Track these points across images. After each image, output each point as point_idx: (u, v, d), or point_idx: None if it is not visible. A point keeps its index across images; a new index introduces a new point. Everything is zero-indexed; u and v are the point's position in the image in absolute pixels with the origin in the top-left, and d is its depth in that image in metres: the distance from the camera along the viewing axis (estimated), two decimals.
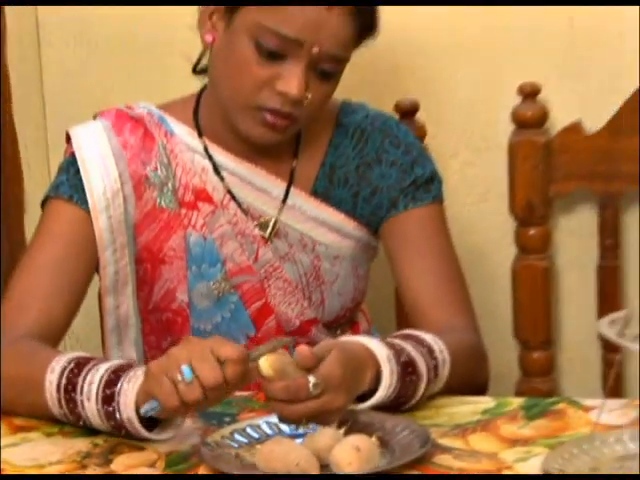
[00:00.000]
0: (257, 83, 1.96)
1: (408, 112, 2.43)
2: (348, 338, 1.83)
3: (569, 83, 2.51)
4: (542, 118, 2.47)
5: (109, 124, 2.07)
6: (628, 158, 2.45)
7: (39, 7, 2.68)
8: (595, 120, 2.47)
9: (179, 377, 1.61)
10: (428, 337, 1.86)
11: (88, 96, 2.57)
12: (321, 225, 2.10)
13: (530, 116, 2.46)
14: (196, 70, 2.14)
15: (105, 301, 2.08)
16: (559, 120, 2.50)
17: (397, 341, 1.81)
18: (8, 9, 2.53)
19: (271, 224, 2.07)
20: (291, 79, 1.95)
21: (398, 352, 1.77)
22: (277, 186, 2.09)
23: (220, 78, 2.02)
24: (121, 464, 1.70)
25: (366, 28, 2.00)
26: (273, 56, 1.95)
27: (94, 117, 2.12)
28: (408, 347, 1.80)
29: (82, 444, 1.76)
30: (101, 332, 2.14)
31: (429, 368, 1.80)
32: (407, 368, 1.77)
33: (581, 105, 2.50)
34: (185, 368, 1.61)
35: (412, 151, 2.12)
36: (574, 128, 2.47)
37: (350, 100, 2.14)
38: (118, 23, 2.57)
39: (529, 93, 2.46)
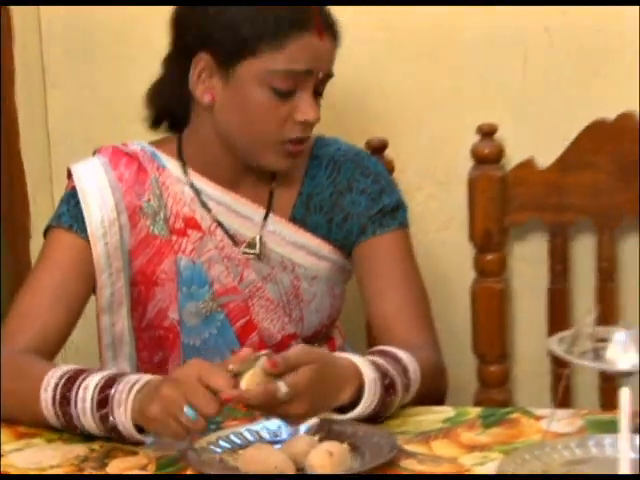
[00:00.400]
0: (280, 122, 1.98)
1: (377, 149, 2.43)
2: (341, 354, 1.84)
3: (523, 123, 2.52)
4: (498, 155, 2.48)
5: (106, 160, 2.07)
6: (576, 191, 2.46)
7: (45, 50, 2.65)
8: (546, 157, 2.47)
9: (184, 419, 1.61)
10: (405, 356, 1.86)
11: (89, 134, 2.57)
12: (300, 249, 2.10)
13: (487, 153, 2.47)
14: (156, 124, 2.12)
15: (101, 320, 2.08)
16: (514, 157, 2.50)
17: (381, 361, 1.81)
18: (16, 52, 2.54)
19: (258, 242, 2.07)
20: (307, 107, 1.97)
21: (383, 375, 1.78)
22: (259, 213, 2.08)
23: (238, 126, 2.00)
24: (116, 467, 1.71)
25: (338, 42, 2.02)
26: (288, 93, 1.96)
27: (93, 153, 2.12)
28: (390, 369, 1.81)
29: (80, 449, 1.77)
30: (98, 347, 2.13)
31: (404, 387, 1.82)
32: (389, 389, 1.78)
33: (533, 143, 2.51)
34: (188, 410, 1.61)
35: (381, 181, 2.12)
36: (527, 164, 2.48)
37: (322, 135, 2.14)
38: (118, 67, 2.57)
39: (487, 132, 2.46)
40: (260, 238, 2.07)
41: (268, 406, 1.64)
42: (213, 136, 2.05)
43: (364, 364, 1.77)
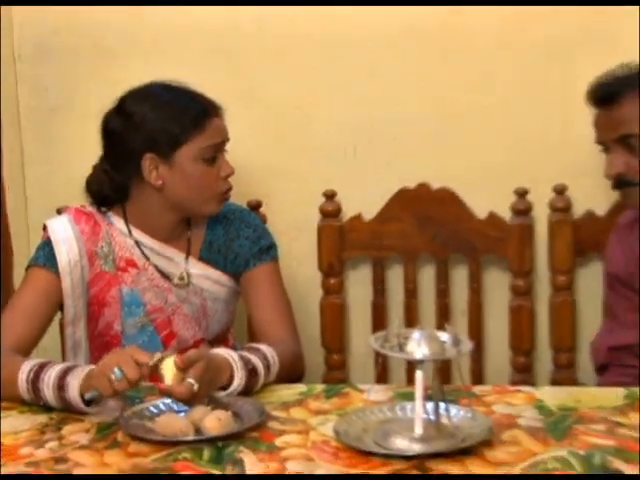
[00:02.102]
0: (214, 181, 1.99)
1: (255, 207, 2.45)
2: (219, 350, 1.81)
3: (353, 190, 2.52)
4: (337, 211, 2.50)
5: (71, 217, 2.05)
6: (389, 236, 2.48)
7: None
8: (369, 213, 2.49)
9: (113, 377, 1.62)
10: (265, 349, 1.87)
11: (56, 202, 2.41)
12: (206, 279, 2.09)
13: (330, 210, 2.50)
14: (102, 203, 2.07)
15: (66, 330, 2.07)
16: (348, 212, 2.51)
17: (246, 353, 1.82)
18: None
19: (185, 278, 2.07)
20: (226, 165, 2.00)
21: (246, 363, 1.79)
22: (178, 255, 2.07)
23: (185, 194, 1.99)
24: (68, 431, 1.69)
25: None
26: (213, 160, 1.98)
27: (58, 211, 2.11)
28: (253, 358, 1.81)
29: (42, 418, 1.75)
30: (62, 349, 2.11)
31: (265, 369, 1.82)
32: (252, 373, 1.79)
33: (361, 203, 2.51)
34: (117, 370, 1.62)
35: (258, 229, 2.13)
36: (357, 217, 2.50)
37: None
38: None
39: (329, 196, 2.50)
40: (187, 273, 2.07)
41: (187, 396, 1.66)
42: (156, 205, 2.02)
43: (233, 356, 1.78)
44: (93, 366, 1.74)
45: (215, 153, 1.99)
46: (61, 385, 1.73)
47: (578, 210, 2.46)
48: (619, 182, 1.99)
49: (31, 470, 1.55)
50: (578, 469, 1.49)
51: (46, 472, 1.54)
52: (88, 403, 1.71)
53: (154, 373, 1.66)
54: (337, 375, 2.55)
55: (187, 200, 2.01)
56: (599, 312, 2.35)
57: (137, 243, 2.07)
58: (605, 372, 2.13)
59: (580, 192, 2.44)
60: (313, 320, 2.54)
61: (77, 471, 1.54)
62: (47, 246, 2.02)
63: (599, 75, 2.01)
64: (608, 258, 2.18)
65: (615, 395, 1.78)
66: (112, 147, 2.04)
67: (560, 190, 2.44)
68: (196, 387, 1.65)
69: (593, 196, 2.40)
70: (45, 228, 2.05)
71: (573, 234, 2.44)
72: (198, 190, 2.00)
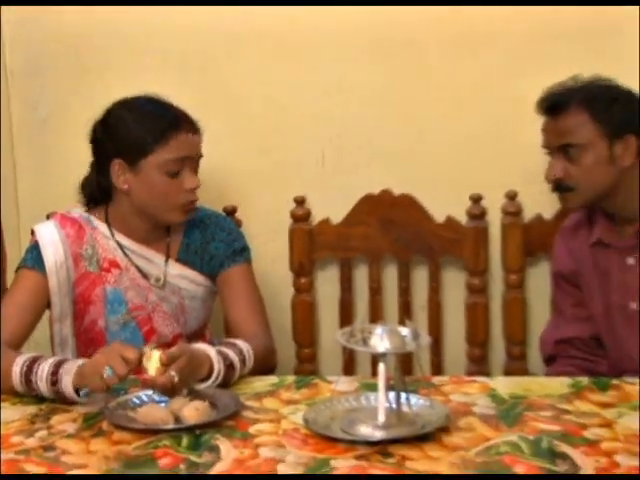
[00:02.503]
0: (175, 192, 1.96)
1: (230, 211, 2.45)
2: (199, 345, 1.80)
3: (322, 196, 2.52)
4: (307, 215, 2.50)
5: (57, 222, 2.05)
6: (355, 238, 2.48)
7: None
8: (337, 217, 2.50)
9: (105, 375, 1.62)
10: (241, 344, 1.87)
11: (51, 202, 2.41)
12: (183, 279, 2.08)
13: (301, 214, 2.49)
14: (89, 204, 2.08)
15: (54, 326, 2.06)
16: (317, 216, 2.51)
17: (224, 349, 1.82)
18: None
19: (162, 279, 2.06)
20: (191, 178, 1.97)
21: (224, 357, 1.79)
22: (158, 256, 2.07)
23: (148, 201, 1.98)
24: (56, 421, 1.69)
25: (201, 134, 2.02)
26: (176, 173, 1.96)
27: (47, 217, 2.10)
28: (230, 353, 1.81)
29: (32, 409, 1.75)
30: (51, 344, 2.10)
31: (240, 363, 1.82)
32: (229, 367, 1.79)
33: (329, 208, 2.50)
34: (108, 369, 1.62)
35: (233, 233, 2.12)
36: (325, 221, 2.50)
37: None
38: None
39: (300, 201, 2.49)
40: (164, 275, 2.06)
41: (168, 388, 1.66)
42: (130, 209, 2.02)
43: (212, 351, 1.78)
44: (83, 360, 1.75)
45: (179, 166, 1.95)
46: (54, 380, 1.73)
47: (528, 214, 2.48)
48: (557, 186, 2.02)
49: (21, 458, 1.56)
50: (527, 452, 1.50)
51: (36, 460, 1.54)
52: (78, 393, 1.72)
53: (139, 366, 1.67)
54: (307, 367, 2.54)
55: (151, 207, 1.99)
56: (547, 308, 2.38)
57: (119, 245, 2.07)
58: (552, 363, 2.15)
59: (529, 198, 2.46)
60: (285, 316, 2.53)
61: (65, 458, 1.54)
62: (35, 249, 2.02)
63: (551, 85, 2.03)
64: (554, 258, 2.20)
65: (561, 384, 1.80)
66: (94, 152, 2.05)
67: (511, 196, 2.47)
68: (177, 379, 1.65)
69: (541, 202, 2.42)
70: (33, 232, 2.05)
71: (523, 236, 2.46)
72: (160, 199, 1.97)
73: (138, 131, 1.96)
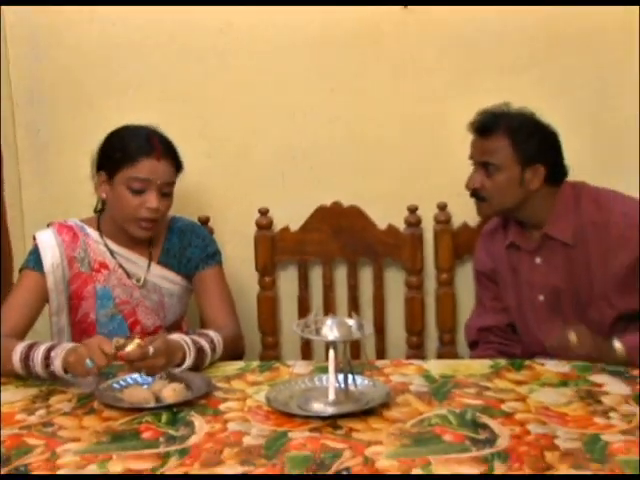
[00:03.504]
0: (135, 208, 1.93)
1: (204, 221, 2.43)
2: (175, 335, 1.78)
3: (282, 206, 2.49)
4: (270, 224, 2.49)
5: (55, 229, 2.03)
6: (311, 244, 2.48)
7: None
8: (295, 225, 2.46)
9: (87, 366, 1.61)
10: (212, 333, 1.84)
11: (51, 213, 2.41)
12: (163, 279, 2.06)
13: (265, 223, 2.48)
14: (96, 210, 2.07)
15: (52, 318, 2.04)
16: (278, 225, 2.50)
17: (196, 337, 1.80)
18: None
19: (142, 279, 2.04)
20: (152, 200, 1.93)
21: (196, 345, 1.77)
22: (141, 259, 2.05)
23: (117, 211, 1.97)
24: (54, 401, 1.67)
25: (179, 167, 1.99)
26: (139, 191, 1.93)
27: (48, 225, 2.07)
28: (201, 340, 1.80)
29: (33, 391, 1.73)
30: (50, 333, 2.07)
31: (211, 349, 1.80)
32: (200, 353, 1.77)
33: (289, 216, 2.48)
34: (88, 361, 1.60)
35: (206, 239, 2.10)
36: (285, 229, 2.49)
37: (175, 215, 2.11)
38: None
39: (263, 212, 2.48)
40: (144, 277, 2.04)
41: (142, 359, 1.63)
42: (111, 217, 2.01)
43: (186, 340, 1.76)
44: (70, 344, 1.73)
45: (143, 186, 1.92)
46: (47, 363, 1.72)
47: (456, 222, 2.49)
48: (474, 194, 2.03)
49: (24, 432, 1.53)
50: (454, 423, 1.50)
51: (36, 434, 1.52)
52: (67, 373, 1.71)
53: (119, 353, 1.64)
54: (271, 353, 2.54)
55: (118, 217, 1.98)
56: (473, 301, 2.37)
57: (108, 249, 2.05)
58: (475, 348, 2.16)
59: (458, 208, 2.47)
60: (252, 310, 2.52)
61: (61, 433, 1.51)
62: (35, 252, 2.01)
63: (484, 108, 2.02)
64: (475, 258, 2.21)
65: (483, 365, 1.80)
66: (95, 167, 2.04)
67: (442, 207, 2.48)
68: (151, 351, 1.63)
69: (467, 212, 2.39)
70: (34, 238, 2.04)
71: (452, 241, 2.47)
72: (123, 211, 1.95)
73: (118, 151, 1.96)
